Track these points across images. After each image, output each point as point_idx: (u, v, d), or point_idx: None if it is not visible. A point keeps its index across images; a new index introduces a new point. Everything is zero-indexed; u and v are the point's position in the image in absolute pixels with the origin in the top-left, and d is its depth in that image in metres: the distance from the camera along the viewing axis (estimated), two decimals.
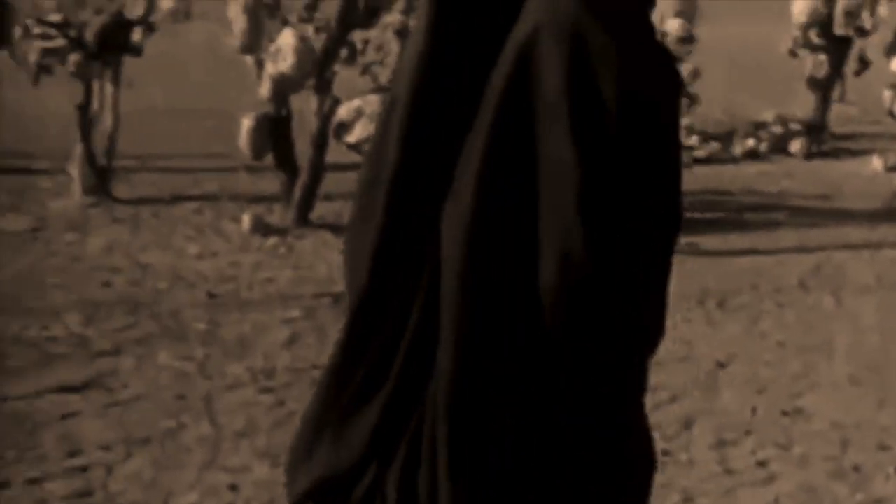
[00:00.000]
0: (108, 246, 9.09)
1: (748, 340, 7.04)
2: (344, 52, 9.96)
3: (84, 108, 10.90)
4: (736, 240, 9.65)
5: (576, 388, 1.52)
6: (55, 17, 11.32)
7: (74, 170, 10.73)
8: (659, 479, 1.80)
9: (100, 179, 10.78)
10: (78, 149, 10.72)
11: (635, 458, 1.68)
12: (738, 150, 14.10)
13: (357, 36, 10.21)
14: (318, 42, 9.63)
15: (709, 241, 9.40)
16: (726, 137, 14.71)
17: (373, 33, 10.29)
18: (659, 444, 4.67)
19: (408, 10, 10.67)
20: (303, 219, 9.90)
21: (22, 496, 4.74)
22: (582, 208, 1.44)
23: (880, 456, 5.36)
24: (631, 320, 1.52)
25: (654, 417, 4.31)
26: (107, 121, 11.36)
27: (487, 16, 1.59)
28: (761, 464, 5.24)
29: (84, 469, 4.96)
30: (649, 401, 1.87)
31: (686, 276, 8.23)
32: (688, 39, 14.51)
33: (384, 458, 1.56)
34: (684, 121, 14.98)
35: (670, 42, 14.31)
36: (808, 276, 8.43)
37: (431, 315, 1.52)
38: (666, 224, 1.54)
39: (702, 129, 15.04)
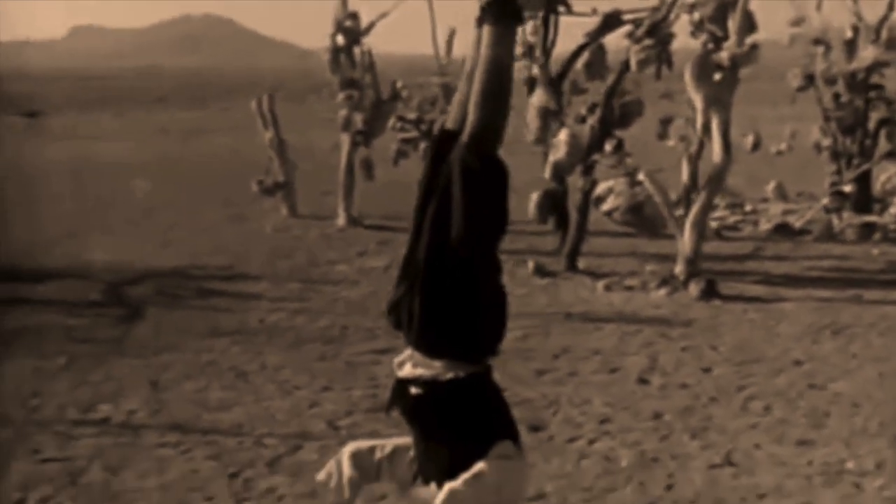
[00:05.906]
0: None
1: (832, 353, 9.59)
2: (610, 146, 13.38)
3: None
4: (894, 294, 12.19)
5: (471, 263, 4.93)
6: (411, 116, 15.47)
7: None
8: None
9: None
10: None
11: (498, 293, 4.98)
12: None
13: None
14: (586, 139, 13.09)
15: (871, 293, 12.08)
16: None
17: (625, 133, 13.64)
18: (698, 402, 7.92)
19: None
20: (572, 266, 13.39)
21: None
22: (464, 220, 4.87)
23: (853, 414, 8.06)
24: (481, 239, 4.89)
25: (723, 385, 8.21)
26: None
27: (443, 155, 5.07)
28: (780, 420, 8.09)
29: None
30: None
31: (827, 313, 11.05)
32: None
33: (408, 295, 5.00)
34: None
35: None
36: None
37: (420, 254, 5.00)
38: (495, 230, 4.93)
39: None
